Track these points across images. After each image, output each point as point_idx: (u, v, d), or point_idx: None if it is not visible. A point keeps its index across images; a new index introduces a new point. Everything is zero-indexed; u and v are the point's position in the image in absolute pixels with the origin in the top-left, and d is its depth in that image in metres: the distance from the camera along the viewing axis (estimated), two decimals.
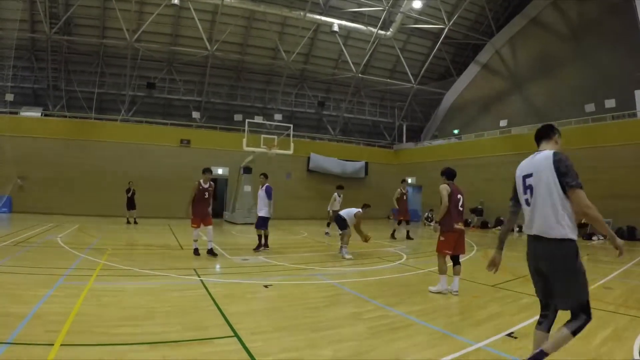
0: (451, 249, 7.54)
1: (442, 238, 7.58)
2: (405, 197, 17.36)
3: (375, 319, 5.78)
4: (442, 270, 7.48)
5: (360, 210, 11.63)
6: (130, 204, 20.45)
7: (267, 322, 5.48)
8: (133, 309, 5.77)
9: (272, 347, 4.53)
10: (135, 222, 20.10)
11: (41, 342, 4.25)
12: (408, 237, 16.90)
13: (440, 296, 7.26)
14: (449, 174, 7.81)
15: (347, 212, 11.67)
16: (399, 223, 17.66)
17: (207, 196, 10.97)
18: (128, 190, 20.59)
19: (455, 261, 7.66)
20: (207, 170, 11.03)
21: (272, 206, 12.38)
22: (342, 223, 11.59)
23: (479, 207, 24.40)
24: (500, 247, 4.17)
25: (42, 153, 23.58)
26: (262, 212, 12.23)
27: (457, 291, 7.37)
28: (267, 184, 12.41)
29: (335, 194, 17.53)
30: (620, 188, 18.63)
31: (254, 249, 12.02)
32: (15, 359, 3.85)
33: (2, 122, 22.90)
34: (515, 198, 3.99)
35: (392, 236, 17.12)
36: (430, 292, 7.46)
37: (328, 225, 18.04)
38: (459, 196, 7.64)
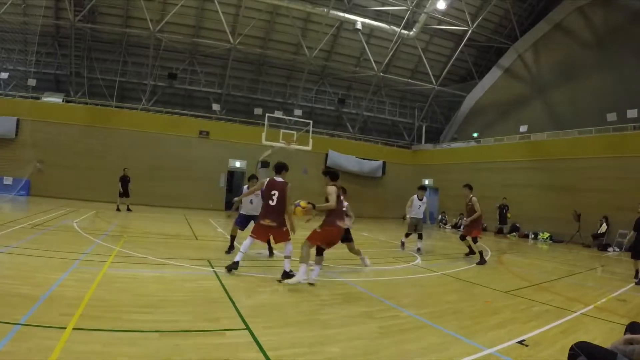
0: (324, 242, 7.68)
1: (318, 230, 7.62)
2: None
3: (387, 319, 5.77)
4: (306, 259, 7.30)
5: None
6: (125, 191, 20.04)
7: (278, 316, 5.48)
8: (146, 297, 5.81)
9: (282, 342, 4.53)
10: (129, 210, 19.79)
11: (54, 325, 4.30)
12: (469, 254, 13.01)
13: (452, 300, 7.22)
14: (332, 176, 8.64)
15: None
16: (475, 241, 12.25)
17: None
18: (124, 177, 20.14)
19: (320, 252, 7.83)
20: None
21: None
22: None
23: (504, 204, 22.42)
24: None
25: (62, 138, 23.85)
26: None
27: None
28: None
29: (415, 196, 13.89)
30: None
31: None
32: (28, 340, 3.89)
33: (24, 106, 23.14)
34: None
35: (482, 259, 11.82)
36: (289, 284, 7.07)
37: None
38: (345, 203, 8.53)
